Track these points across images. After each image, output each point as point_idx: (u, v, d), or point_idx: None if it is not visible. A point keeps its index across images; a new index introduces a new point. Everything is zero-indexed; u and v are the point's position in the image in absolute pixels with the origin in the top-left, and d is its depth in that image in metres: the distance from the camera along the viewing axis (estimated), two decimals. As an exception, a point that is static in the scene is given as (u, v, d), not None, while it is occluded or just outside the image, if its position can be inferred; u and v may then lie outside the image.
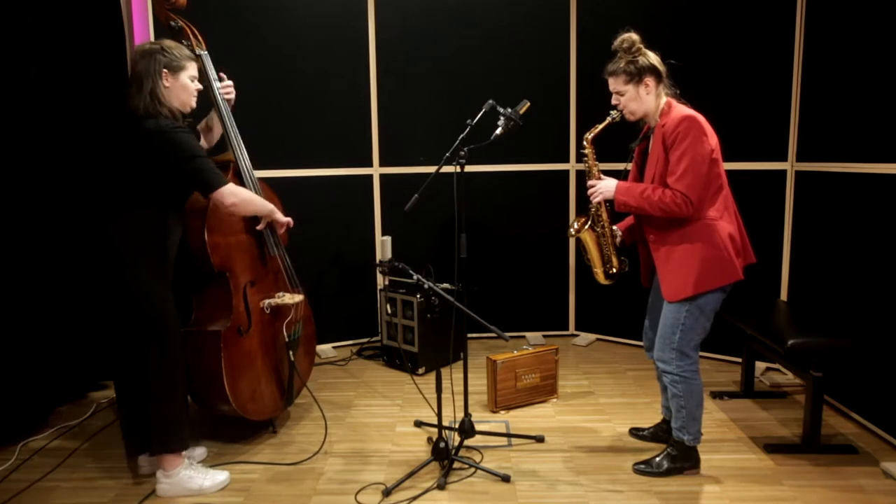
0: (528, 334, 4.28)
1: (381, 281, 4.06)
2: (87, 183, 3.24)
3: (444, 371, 2.84)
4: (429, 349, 3.66)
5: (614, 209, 2.51)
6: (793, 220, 3.47)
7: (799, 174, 3.42)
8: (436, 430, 2.67)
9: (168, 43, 2.42)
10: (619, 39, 2.42)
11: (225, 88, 2.76)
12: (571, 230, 2.64)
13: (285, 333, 2.86)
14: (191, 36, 2.74)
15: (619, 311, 4.12)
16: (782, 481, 2.51)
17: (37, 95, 3.05)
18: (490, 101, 2.69)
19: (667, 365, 2.46)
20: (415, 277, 2.56)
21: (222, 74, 2.78)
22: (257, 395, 2.77)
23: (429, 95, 4.05)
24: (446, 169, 2.64)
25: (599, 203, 2.57)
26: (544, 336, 4.29)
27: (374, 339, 4.21)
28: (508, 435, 2.91)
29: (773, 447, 2.74)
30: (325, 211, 3.96)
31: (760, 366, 3.56)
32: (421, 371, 3.68)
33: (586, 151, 2.57)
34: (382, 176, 4.12)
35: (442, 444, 2.58)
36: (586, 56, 3.99)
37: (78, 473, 2.65)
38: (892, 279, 2.74)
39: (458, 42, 4.01)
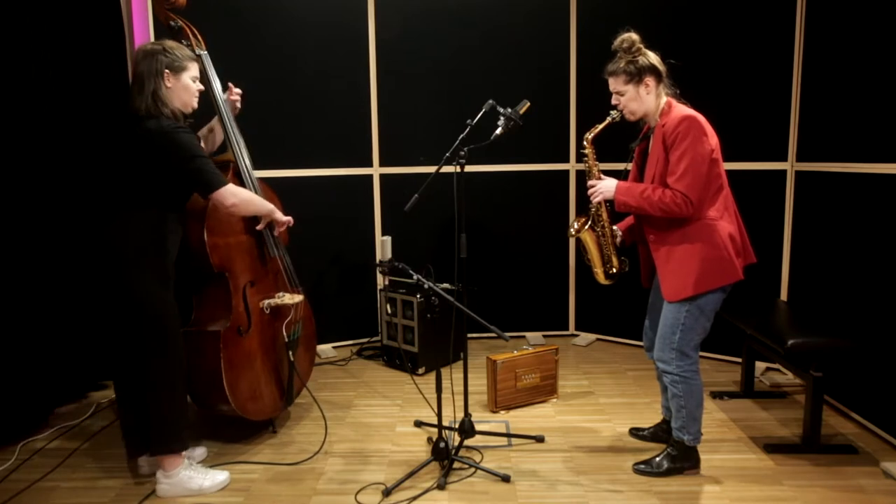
0: (528, 334, 4.28)
1: (381, 281, 4.06)
2: (87, 183, 3.24)
3: (444, 371, 2.84)
4: (429, 349, 3.66)
5: (614, 209, 2.51)
6: (793, 220, 3.47)
7: (799, 174, 3.42)
8: (436, 430, 2.67)
9: (170, 43, 2.42)
10: (619, 39, 2.42)
11: (234, 96, 2.79)
12: (571, 230, 2.64)
13: (285, 334, 2.86)
14: (190, 36, 2.74)
15: (619, 311, 4.12)
16: (782, 481, 2.51)
17: (37, 95, 3.05)
18: (490, 101, 2.69)
19: (667, 365, 2.46)
20: (415, 277, 2.56)
21: (231, 84, 2.80)
22: (257, 395, 2.77)
23: (429, 95, 4.05)
24: (446, 169, 2.64)
25: (599, 203, 2.57)
26: (544, 336, 4.29)
27: (374, 339, 4.21)
28: (508, 435, 2.91)
29: (773, 447, 2.74)
30: (325, 211, 3.96)
31: (760, 366, 3.56)
32: (421, 371, 3.68)
33: (586, 151, 2.57)
34: (382, 176, 4.12)
35: (442, 444, 2.58)
36: (586, 56, 3.99)
37: (78, 473, 2.65)
38: (892, 279, 2.74)
39: (458, 42, 4.01)
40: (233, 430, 2.96)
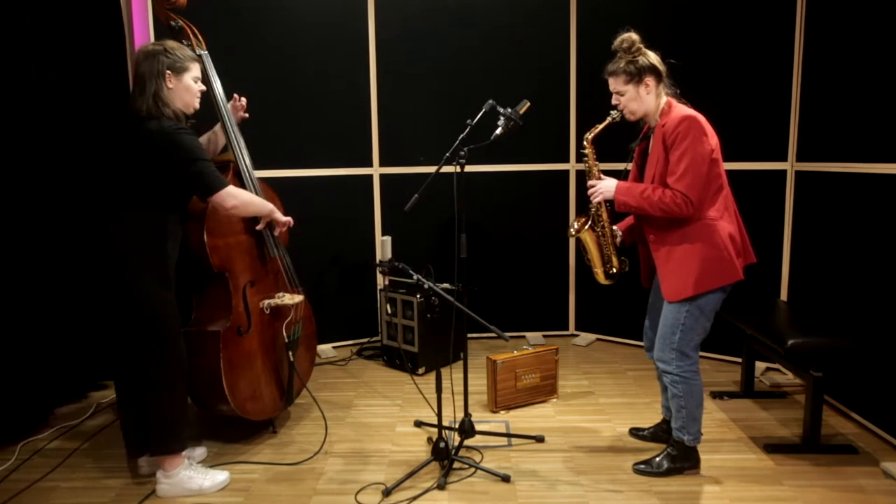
0: (528, 334, 4.28)
1: (381, 281, 4.06)
2: (87, 183, 3.24)
3: (444, 371, 2.84)
4: (429, 349, 3.66)
5: (614, 209, 2.51)
6: (793, 220, 3.47)
7: (799, 174, 3.42)
8: (436, 430, 2.67)
9: (171, 44, 2.41)
10: (619, 39, 2.42)
11: (241, 112, 2.81)
12: (571, 230, 2.64)
13: (285, 334, 2.86)
14: (191, 36, 2.74)
15: (619, 311, 4.12)
16: (782, 481, 2.51)
17: (37, 95, 3.05)
18: (490, 101, 2.69)
19: (667, 365, 2.46)
20: (415, 277, 2.56)
21: (235, 95, 2.81)
22: (257, 395, 2.77)
23: (429, 95, 4.05)
24: (446, 169, 2.64)
25: (599, 203, 2.57)
26: (544, 336, 4.29)
27: (374, 339, 4.21)
28: (508, 435, 2.91)
29: (773, 447, 2.74)
30: (325, 211, 3.97)
31: (760, 366, 3.56)
32: (421, 371, 3.68)
33: (586, 151, 2.57)
34: (382, 176, 4.12)
35: (442, 444, 2.58)
36: (586, 56, 3.99)
37: (78, 473, 2.65)
38: (892, 279, 2.74)
39: (458, 42, 4.01)
40: (233, 430, 2.96)
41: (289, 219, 2.79)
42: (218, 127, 2.81)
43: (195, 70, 2.45)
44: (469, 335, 3.31)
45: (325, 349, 4.10)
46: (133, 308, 2.37)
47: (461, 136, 2.63)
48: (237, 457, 2.76)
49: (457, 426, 2.74)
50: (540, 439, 2.86)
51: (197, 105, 2.48)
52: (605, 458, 2.71)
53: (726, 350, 3.75)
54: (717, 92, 3.52)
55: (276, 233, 2.84)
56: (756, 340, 3.16)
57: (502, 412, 3.16)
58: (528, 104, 2.69)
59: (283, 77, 3.81)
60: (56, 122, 3.14)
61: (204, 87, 2.51)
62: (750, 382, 3.30)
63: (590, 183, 2.56)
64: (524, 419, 3.09)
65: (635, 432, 2.90)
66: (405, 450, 2.81)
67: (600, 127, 2.54)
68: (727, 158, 2.47)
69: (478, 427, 2.78)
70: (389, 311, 3.77)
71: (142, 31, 3.54)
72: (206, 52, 2.76)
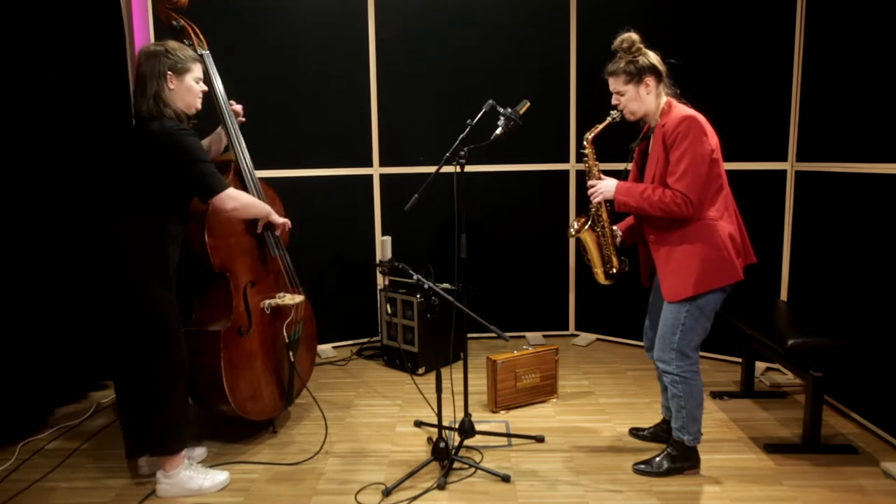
0: (528, 334, 4.28)
1: (381, 281, 4.06)
2: (88, 183, 3.24)
3: (444, 371, 2.84)
4: (429, 349, 3.66)
5: (614, 209, 2.51)
6: (793, 220, 3.47)
7: (799, 174, 3.42)
8: (436, 430, 2.67)
9: (172, 44, 2.41)
10: (619, 39, 2.42)
11: (234, 109, 2.81)
12: (571, 230, 2.64)
13: (285, 334, 2.86)
14: (193, 35, 2.74)
15: (619, 311, 4.12)
16: (782, 481, 2.51)
17: (36, 95, 3.04)
18: (490, 101, 2.69)
19: (667, 365, 2.46)
20: (415, 277, 2.56)
21: (232, 101, 2.81)
22: (257, 395, 2.77)
23: (429, 95, 4.05)
24: (446, 169, 2.64)
25: (599, 203, 2.57)
26: (544, 336, 4.29)
27: (374, 339, 4.21)
28: (508, 435, 2.91)
29: (773, 447, 2.74)
30: (325, 211, 3.97)
31: (760, 366, 3.56)
32: (421, 371, 3.68)
33: (586, 151, 2.57)
34: (382, 176, 4.12)
35: (442, 444, 2.58)
36: (586, 56, 4.00)
37: (78, 473, 2.65)
38: (892, 279, 2.74)
39: (458, 42, 4.01)
40: (233, 430, 2.96)
41: (285, 220, 2.79)
42: (220, 128, 2.81)
43: (197, 71, 2.44)
44: (469, 335, 3.31)
45: (325, 349, 4.10)
46: (134, 308, 2.36)
47: (461, 136, 2.63)
48: (237, 457, 2.76)
49: (457, 426, 2.74)
50: (540, 439, 2.86)
51: (199, 105, 2.47)
52: (605, 458, 2.71)
53: (726, 350, 3.75)
54: (717, 92, 3.52)
55: (277, 232, 2.84)
56: (756, 340, 3.16)
57: (502, 412, 3.16)
58: (528, 104, 2.69)
59: (283, 77, 3.81)
60: (56, 121, 3.14)
61: (206, 88, 2.51)
62: (750, 382, 3.30)
63: (590, 183, 2.56)
64: (524, 419, 3.09)
65: (635, 432, 2.90)
66: (405, 450, 2.81)
67: (600, 127, 2.54)
68: (727, 158, 2.47)
69: (478, 427, 2.78)
70: (389, 311, 3.77)
71: (142, 31, 3.54)
72: (208, 51, 2.76)
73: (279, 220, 2.76)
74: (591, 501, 2.39)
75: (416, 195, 2.61)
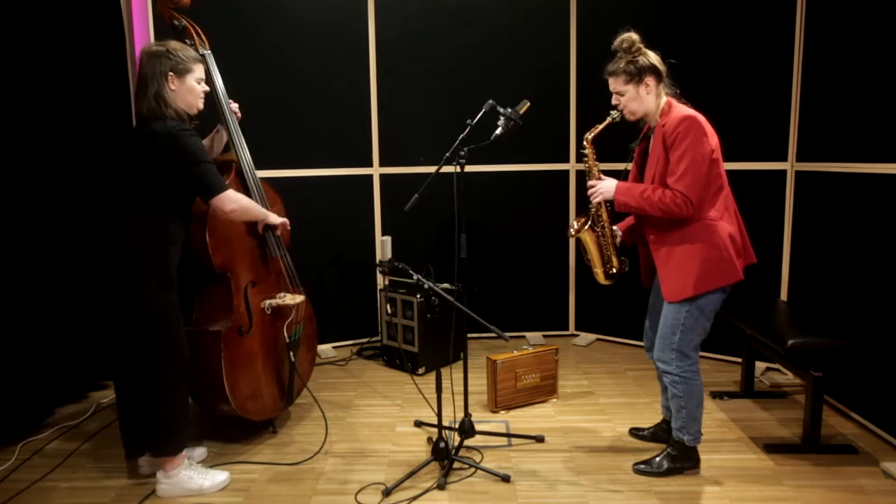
0: (528, 334, 4.28)
1: (381, 281, 4.06)
2: (89, 183, 3.23)
3: (444, 371, 2.84)
4: (429, 349, 3.66)
5: (614, 209, 2.51)
6: (793, 220, 3.47)
7: (799, 174, 3.42)
8: (436, 430, 2.67)
9: (174, 45, 2.41)
10: (619, 39, 2.42)
11: (230, 108, 2.81)
12: (571, 230, 2.64)
13: (286, 334, 2.86)
14: (194, 35, 2.74)
15: (619, 311, 4.12)
16: (782, 481, 2.51)
17: (36, 95, 3.04)
18: (490, 101, 2.69)
19: (667, 365, 2.46)
20: (415, 277, 2.56)
21: (231, 101, 2.80)
22: (257, 395, 2.77)
23: (429, 95, 4.05)
24: (446, 169, 2.64)
25: (599, 203, 2.57)
26: (544, 336, 4.29)
27: (374, 339, 4.21)
28: (508, 435, 2.91)
29: (773, 447, 2.74)
30: (325, 211, 3.97)
31: (760, 366, 3.56)
32: (421, 371, 3.68)
33: (586, 151, 2.57)
34: (382, 176, 4.12)
35: (442, 444, 2.58)
36: (586, 56, 4.00)
37: (78, 473, 2.65)
38: (892, 279, 2.74)
39: (458, 42, 4.01)
40: (233, 430, 2.96)
41: (283, 220, 2.79)
42: (221, 127, 2.81)
43: (198, 71, 2.44)
44: (469, 335, 3.31)
45: (325, 349, 4.10)
46: (134, 308, 2.36)
47: (461, 136, 2.63)
48: (237, 457, 2.76)
49: (457, 426, 2.74)
50: (540, 439, 2.86)
51: (200, 105, 2.47)
52: (605, 458, 2.71)
53: (726, 350, 3.75)
54: (717, 92, 3.52)
55: (278, 232, 2.84)
56: (756, 340, 3.16)
57: (502, 412, 3.16)
58: (528, 104, 2.69)
59: (283, 77, 3.81)
60: (56, 121, 3.14)
61: (207, 88, 2.50)
62: (750, 382, 3.30)
63: (590, 183, 2.56)
64: (524, 419, 3.09)
65: (635, 432, 2.90)
66: (405, 450, 2.81)
67: (600, 127, 2.54)
68: (727, 158, 2.47)
69: (478, 427, 2.78)
70: (389, 311, 3.77)
71: (142, 31, 3.53)
72: (210, 51, 2.76)
73: (277, 220, 2.76)
74: (591, 501, 2.40)
75: (416, 195, 2.61)
